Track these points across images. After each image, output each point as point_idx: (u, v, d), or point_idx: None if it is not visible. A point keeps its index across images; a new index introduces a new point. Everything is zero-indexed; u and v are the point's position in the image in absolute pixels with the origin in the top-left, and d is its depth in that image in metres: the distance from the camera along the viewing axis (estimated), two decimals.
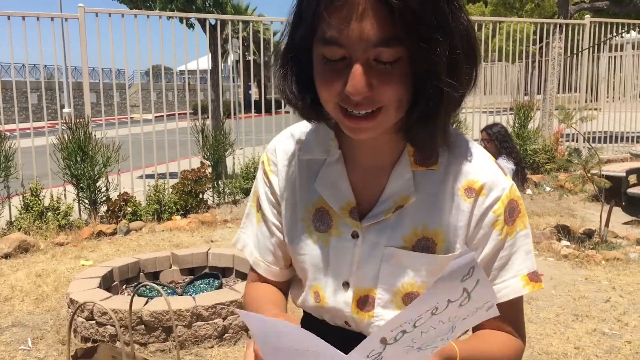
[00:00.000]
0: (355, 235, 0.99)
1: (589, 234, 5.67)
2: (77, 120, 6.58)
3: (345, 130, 0.91)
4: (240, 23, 8.32)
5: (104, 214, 6.60)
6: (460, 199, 0.96)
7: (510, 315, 1.00)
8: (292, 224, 1.06)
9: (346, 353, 0.74)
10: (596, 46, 10.67)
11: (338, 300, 1.01)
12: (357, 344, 0.73)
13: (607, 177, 6.24)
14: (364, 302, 1.00)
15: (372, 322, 0.99)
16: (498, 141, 5.90)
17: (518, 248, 0.98)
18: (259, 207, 1.11)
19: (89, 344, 3.32)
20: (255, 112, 8.33)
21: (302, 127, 1.08)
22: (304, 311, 1.12)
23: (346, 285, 1.00)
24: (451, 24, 0.83)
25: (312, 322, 1.08)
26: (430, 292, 0.70)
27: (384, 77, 0.83)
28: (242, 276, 4.34)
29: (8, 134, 6.51)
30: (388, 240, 0.97)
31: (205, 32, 8.41)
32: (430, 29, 0.80)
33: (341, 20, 0.80)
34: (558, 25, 10.43)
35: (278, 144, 1.09)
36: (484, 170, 0.96)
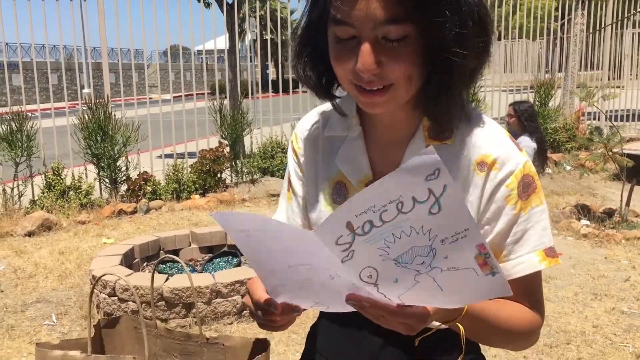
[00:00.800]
0: None
1: (610, 213, 5.61)
2: (97, 101, 6.64)
3: (361, 106, 0.94)
4: (258, 2, 8.28)
5: (124, 193, 6.68)
6: (473, 173, 0.96)
7: (528, 291, 0.99)
8: (312, 198, 1.10)
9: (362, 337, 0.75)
10: (620, 22, 10.43)
11: None
12: (368, 329, 0.73)
13: (629, 156, 6.14)
14: None
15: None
16: (524, 119, 5.87)
17: (534, 223, 0.97)
18: (290, 185, 1.15)
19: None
20: (272, 92, 8.35)
21: (329, 105, 1.10)
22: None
23: None
24: None
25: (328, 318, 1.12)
26: (390, 178, 0.68)
27: (392, 54, 0.85)
28: None
29: (29, 114, 6.59)
30: None
31: (222, 11, 8.38)
32: (438, 5, 0.81)
33: (350, 1, 0.83)
34: (580, 1, 10.21)
35: (305, 122, 1.14)
36: (498, 145, 0.97)
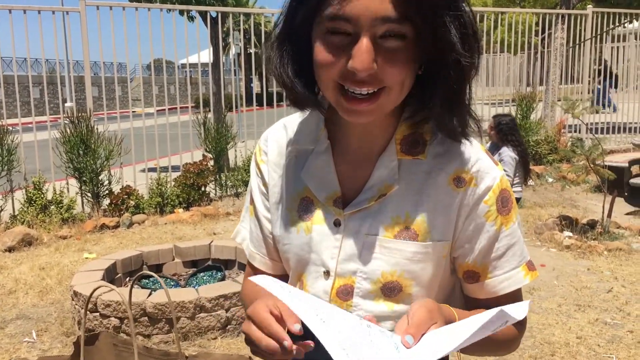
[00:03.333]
0: (337, 224, 0.97)
1: (592, 225, 5.66)
2: (79, 114, 6.59)
3: (342, 113, 0.89)
4: (242, 15, 8.30)
5: (106, 207, 6.61)
6: (448, 189, 0.94)
7: None
8: (277, 214, 1.05)
9: None
10: (599, 36, 10.61)
11: (317, 288, 1.00)
12: None
13: (610, 168, 6.22)
14: (344, 291, 0.98)
15: (350, 312, 0.96)
16: (505, 131, 5.97)
17: (517, 239, 0.98)
18: (252, 200, 1.11)
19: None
20: (257, 105, 8.34)
21: (295, 118, 1.07)
22: None
23: (327, 273, 0.98)
24: (460, 2, 0.84)
25: None
26: (461, 341, 0.74)
27: (390, 56, 0.82)
28: (245, 268, 4.35)
29: (10, 128, 6.51)
30: (369, 229, 0.95)
31: (206, 25, 8.39)
32: (441, 8, 0.81)
33: None
34: (560, 16, 10.38)
35: (270, 134, 1.09)
36: (474, 160, 0.95)
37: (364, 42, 0.81)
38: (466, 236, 0.95)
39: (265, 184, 1.08)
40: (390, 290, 0.95)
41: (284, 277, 1.08)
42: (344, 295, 0.97)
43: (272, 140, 1.08)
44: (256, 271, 1.13)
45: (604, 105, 9.97)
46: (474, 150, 0.96)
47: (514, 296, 0.98)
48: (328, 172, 0.99)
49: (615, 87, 10.71)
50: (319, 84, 0.90)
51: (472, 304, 1.02)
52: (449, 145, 0.95)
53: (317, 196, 0.99)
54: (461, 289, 1.05)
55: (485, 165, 0.95)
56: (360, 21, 0.80)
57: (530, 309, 3.76)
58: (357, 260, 0.96)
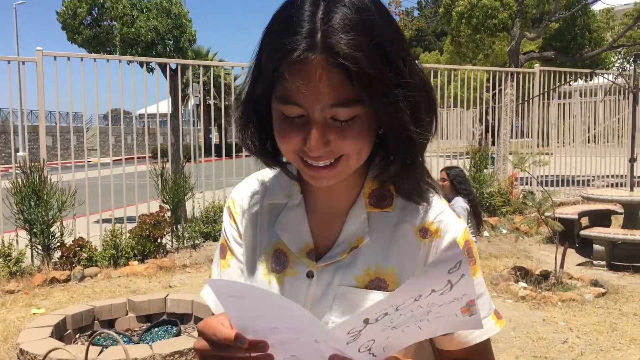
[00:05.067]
0: (310, 275, 1.00)
1: (545, 276, 5.78)
2: (32, 164, 6.44)
3: (307, 179, 0.94)
4: (201, 68, 8.38)
5: (57, 260, 6.39)
6: (415, 239, 0.99)
7: (485, 354, 1.04)
8: (250, 265, 1.07)
9: None
10: (546, 93, 11.12)
11: None
12: None
13: (560, 220, 6.42)
14: None
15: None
16: (456, 182, 6.12)
17: (484, 289, 1.03)
18: (225, 254, 1.12)
19: None
20: (215, 156, 8.33)
21: (268, 172, 1.11)
22: None
23: None
24: (409, 79, 0.87)
25: None
26: (415, 280, 0.74)
27: (341, 133, 0.86)
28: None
29: None
30: (341, 280, 0.98)
31: (165, 76, 8.42)
32: (389, 87, 0.84)
33: (299, 82, 0.82)
34: (510, 73, 10.85)
35: (243, 187, 1.12)
36: (437, 213, 1.00)
37: (314, 131, 0.85)
38: None
39: (240, 236, 1.10)
40: None
41: None
42: None
43: (245, 193, 1.11)
44: None
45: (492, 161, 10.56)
46: (439, 204, 1.01)
47: (485, 346, 1.02)
48: (301, 225, 1.03)
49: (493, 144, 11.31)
50: (282, 152, 0.95)
51: (445, 357, 1.05)
52: (415, 197, 1.00)
53: (290, 248, 1.02)
54: (431, 342, 1.07)
55: (449, 218, 1.00)
56: (310, 108, 0.84)
57: None
58: (329, 310, 0.98)
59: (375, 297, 0.97)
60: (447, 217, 1.00)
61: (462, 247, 0.99)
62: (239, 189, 1.13)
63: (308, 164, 0.90)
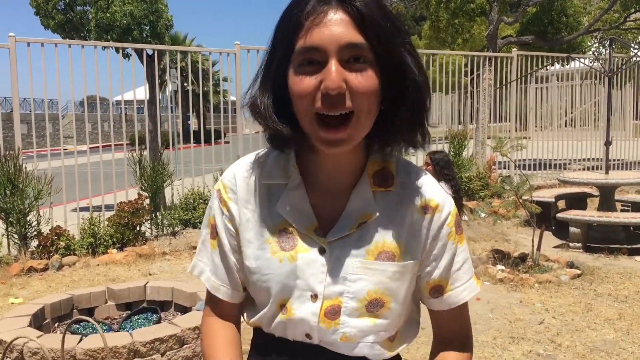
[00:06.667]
0: (322, 251, 1.07)
1: (523, 258, 5.87)
2: (7, 152, 6.34)
3: (321, 144, 0.99)
4: (179, 53, 8.29)
5: (34, 249, 6.32)
6: (417, 216, 1.10)
7: (465, 314, 1.19)
8: (255, 246, 1.10)
9: None
10: (523, 78, 11.20)
11: (305, 311, 1.07)
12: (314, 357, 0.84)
13: (538, 203, 6.50)
14: (331, 311, 1.07)
15: (337, 329, 1.07)
16: (440, 167, 6.14)
17: (468, 254, 1.17)
18: (216, 234, 1.16)
19: None
20: (194, 143, 8.27)
21: (261, 154, 1.15)
22: (254, 331, 1.17)
23: (314, 297, 1.07)
24: (408, 40, 1.02)
25: (263, 340, 1.14)
26: None
27: (354, 76, 0.95)
28: (182, 309, 4.24)
29: None
30: (354, 253, 1.07)
31: (142, 62, 8.31)
32: (393, 35, 0.97)
33: (318, 28, 0.94)
34: (487, 58, 10.91)
35: (237, 171, 1.15)
36: (435, 191, 1.13)
37: (333, 64, 0.94)
38: (434, 255, 1.12)
39: (232, 221, 1.13)
40: (373, 307, 1.07)
41: (241, 307, 1.20)
42: (331, 315, 1.07)
43: (240, 177, 1.14)
44: (218, 306, 1.19)
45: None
46: (434, 184, 1.14)
47: (466, 305, 1.17)
48: (303, 205, 1.09)
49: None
50: (298, 116, 1.00)
51: (436, 317, 1.19)
52: (413, 179, 1.12)
53: (297, 227, 1.08)
54: (418, 309, 1.20)
55: (444, 195, 1.13)
56: (328, 48, 0.94)
57: None
58: (343, 282, 1.07)
59: (386, 267, 1.07)
60: (442, 194, 1.13)
61: (454, 218, 1.13)
62: (232, 173, 1.15)
63: (323, 124, 0.96)
